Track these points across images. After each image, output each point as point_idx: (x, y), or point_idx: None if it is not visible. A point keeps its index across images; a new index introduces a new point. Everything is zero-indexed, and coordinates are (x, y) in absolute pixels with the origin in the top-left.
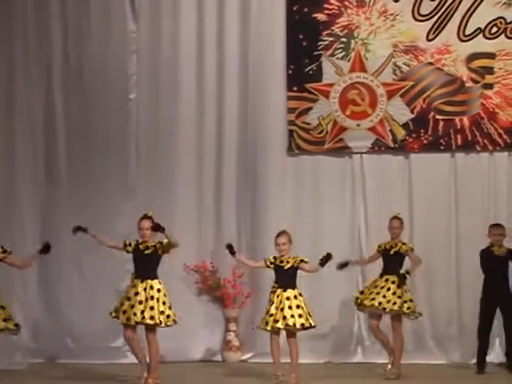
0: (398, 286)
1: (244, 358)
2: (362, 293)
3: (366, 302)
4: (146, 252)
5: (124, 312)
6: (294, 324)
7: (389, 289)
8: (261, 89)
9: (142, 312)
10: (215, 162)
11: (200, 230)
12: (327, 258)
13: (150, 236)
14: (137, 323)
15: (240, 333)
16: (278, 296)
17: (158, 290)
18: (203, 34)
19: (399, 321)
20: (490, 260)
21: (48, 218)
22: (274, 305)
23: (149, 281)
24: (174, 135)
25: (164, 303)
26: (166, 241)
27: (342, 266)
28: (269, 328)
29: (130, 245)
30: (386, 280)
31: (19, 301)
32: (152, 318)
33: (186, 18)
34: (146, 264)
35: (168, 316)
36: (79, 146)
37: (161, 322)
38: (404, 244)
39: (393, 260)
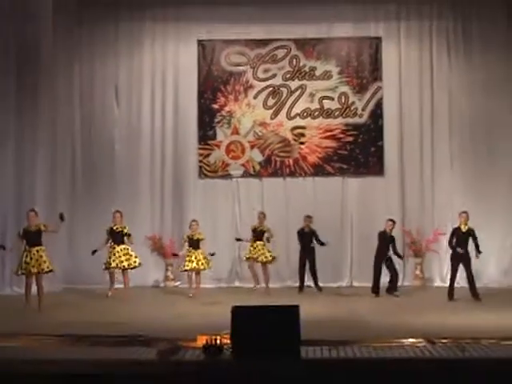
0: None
1: (175, 284)
2: (250, 252)
3: (253, 257)
4: (117, 230)
5: (107, 259)
6: (199, 267)
7: (263, 248)
8: (184, 144)
9: (123, 260)
10: (160, 184)
11: (153, 219)
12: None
13: (119, 221)
14: (120, 267)
15: (173, 271)
16: (192, 252)
17: (127, 249)
18: (154, 114)
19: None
20: (302, 235)
21: (72, 209)
22: (193, 257)
23: (120, 244)
24: (139, 170)
25: (136, 256)
26: (127, 229)
27: (238, 240)
28: (189, 268)
29: (108, 229)
30: (260, 244)
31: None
32: (129, 265)
33: (145, 105)
34: (118, 236)
35: (134, 261)
36: (86, 179)
37: (134, 265)
38: (266, 226)
39: (260, 235)
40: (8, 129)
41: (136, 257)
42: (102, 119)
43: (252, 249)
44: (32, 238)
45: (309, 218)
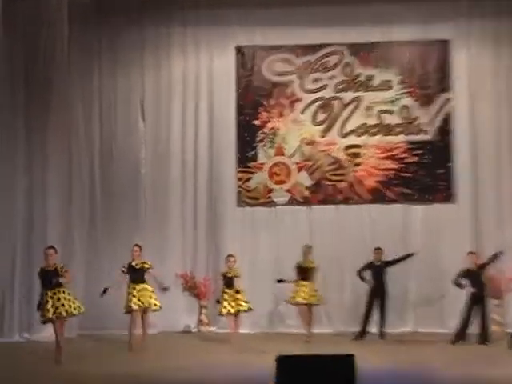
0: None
1: (210, 329)
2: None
3: (297, 300)
4: (137, 267)
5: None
6: (240, 310)
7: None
8: (221, 167)
9: (143, 301)
10: (193, 213)
11: (185, 254)
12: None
13: (138, 256)
14: (141, 307)
15: (208, 314)
16: (227, 292)
17: (147, 289)
18: (186, 132)
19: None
20: (373, 269)
21: (90, 244)
22: (230, 298)
23: (140, 284)
24: (168, 198)
25: (151, 297)
26: (149, 263)
27: (280, 281)
28: (226, 311)
29: (124, 267)
30: (304, 284)
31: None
32: (149, 305)
33: (174, 121)
34: (138, 274)
35: (155, 304)
36: (106, 209)
37: (151, 307)
38: (312, 262)
39: (311, 272)
40: (16, 149)
41: (156, 299)
42: (125, 139)
43: (299, 290)
44: (49, 278)
45: (379, 250)
